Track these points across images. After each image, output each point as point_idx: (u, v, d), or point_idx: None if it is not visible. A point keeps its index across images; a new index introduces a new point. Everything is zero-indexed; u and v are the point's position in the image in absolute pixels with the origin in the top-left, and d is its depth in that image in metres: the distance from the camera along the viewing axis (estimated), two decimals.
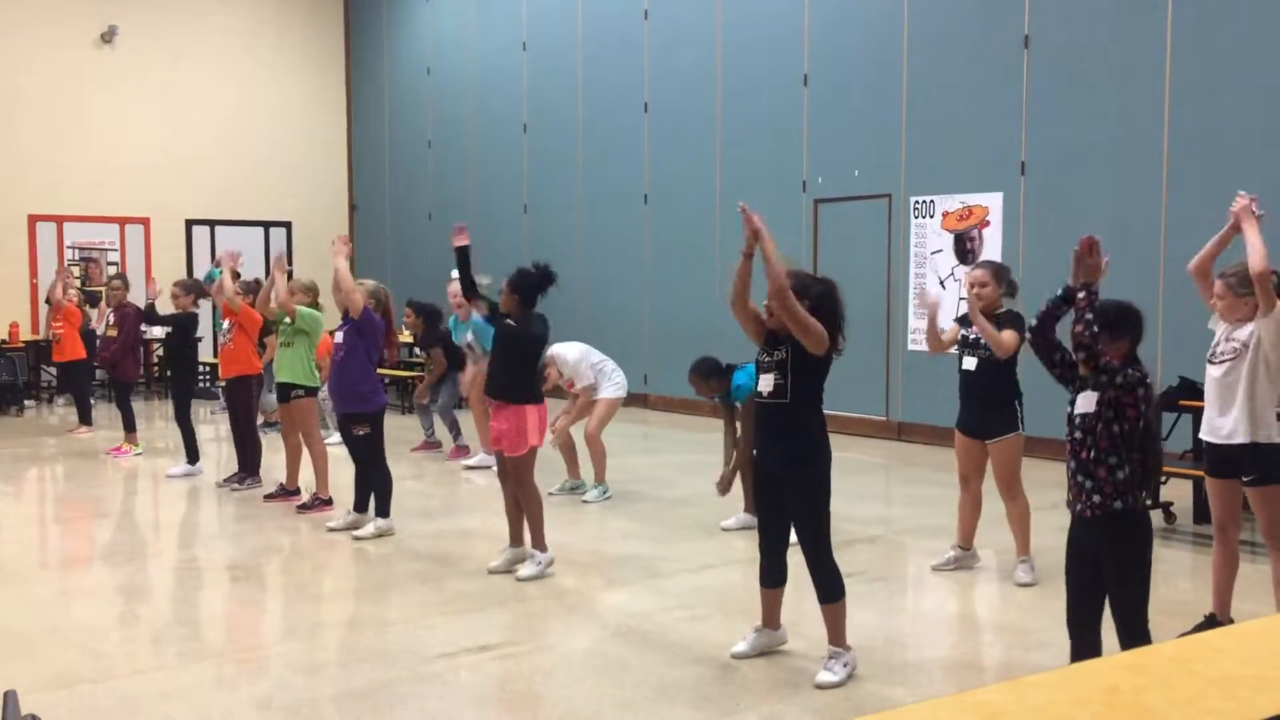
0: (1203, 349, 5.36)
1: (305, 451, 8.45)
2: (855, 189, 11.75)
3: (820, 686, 4.69)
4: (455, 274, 10.04)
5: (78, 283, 14.77)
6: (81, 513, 8.71)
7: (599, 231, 14.72)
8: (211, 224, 17.91)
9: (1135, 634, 3.92)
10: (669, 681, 4.81)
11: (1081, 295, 3.90)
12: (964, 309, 6.52)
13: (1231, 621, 5.25)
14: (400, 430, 11.56)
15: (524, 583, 6.30)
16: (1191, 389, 7.38)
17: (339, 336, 7.53)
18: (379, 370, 7.78)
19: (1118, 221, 9.72)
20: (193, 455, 9.78)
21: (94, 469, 10.31)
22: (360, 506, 7.62)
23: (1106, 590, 4.00)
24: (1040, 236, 10.26)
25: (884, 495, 9.46)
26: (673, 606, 5.90)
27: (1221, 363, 5.17)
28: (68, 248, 16.78)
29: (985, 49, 10.63)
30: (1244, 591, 5.78)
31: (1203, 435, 5.36)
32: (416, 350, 12.53)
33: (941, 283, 11.03)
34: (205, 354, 14.36)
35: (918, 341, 11.30)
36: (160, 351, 16.00)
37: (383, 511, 7.47)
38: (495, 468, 6.73)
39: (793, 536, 4.90)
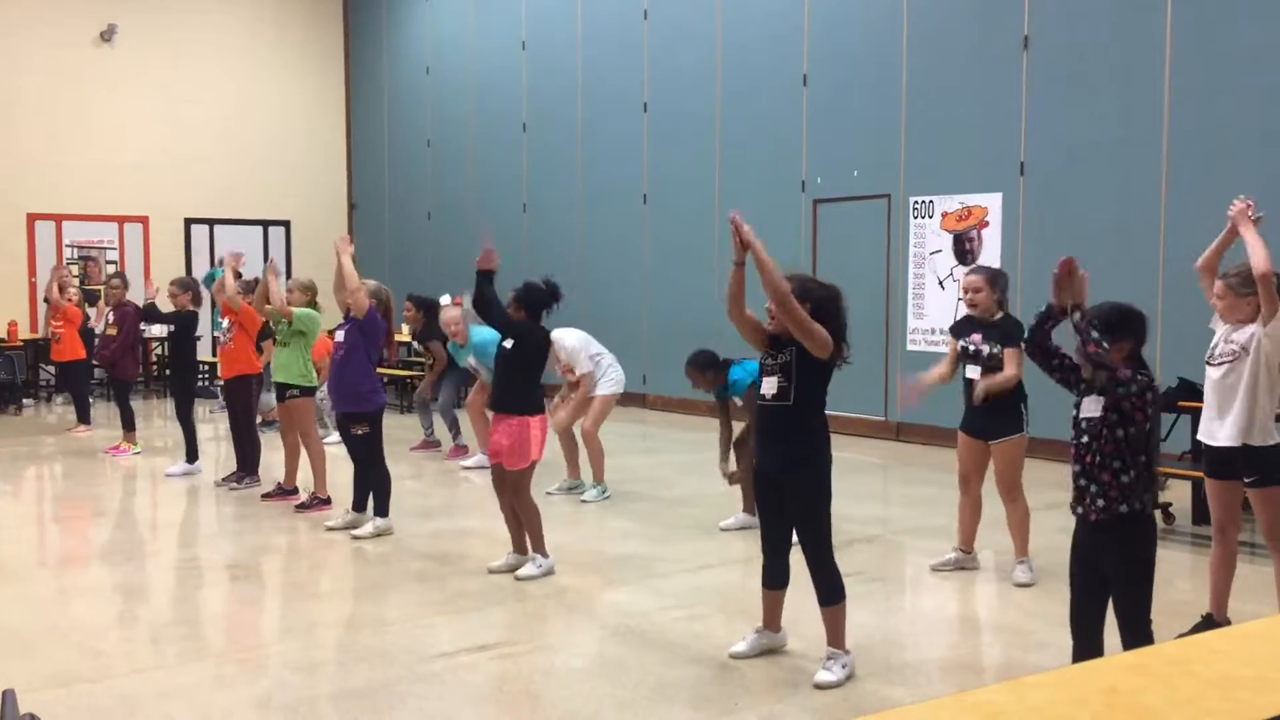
0: (1202, 350, 5.36)
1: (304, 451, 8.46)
2: (854, 189, 11.75)
3: (819, 686, 4.69)
4: (446, 299, 10.09)
5: (76, 281, 14.75)
6: (80, 511, 8.71)
7: (598, 231, 14.72)
8: (210, 223, 17.91)
9: (1138, 635, 3.91)
10: (668, 681, 4.81)
11: (1076, 317, 3.87)
12: (960, 313, 6.52)
13: (1229, 622, 5.26)
14: (399, 430, 11.56)
15: (523, 583, 6.30)
16: (1190, 390, 7.38)
17: (340, 335, 7.53)
18: (378, 370, 7.78)
19: (1117, 222, 9.73)
20: (192, 454, 9.78)
21: (92, 468, 10.31)
22: (359, 506, 7.62)
23: (1109, 591, 4.00)
24: (1039, 237, 10.26)
25: (882, 495, 9.47)
26: (671, 606, 5.90)
27: (1220, 364, 5.17)
28: (66, 246, 16.77)
29: (985, 49, 10.63)
30: (1244, 592, 5.78)
31: (1201, 437, 5.36)
32: (415, 345, 12.52)
33: (940, 283, 11.04)
34: (204, 353, 14.37)
35: (916, 342, 11.31)
36: (160, 350, 16.00)
37: (381, 511, 7.47)
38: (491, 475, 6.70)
39: (794, 537, 4.90)
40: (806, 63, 12.11)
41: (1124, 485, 3.90)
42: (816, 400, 4.76)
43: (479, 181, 16.55)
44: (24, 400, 14.76)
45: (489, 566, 6.54)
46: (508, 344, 6.35)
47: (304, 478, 8.50)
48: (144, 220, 17.35)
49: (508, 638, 5.50)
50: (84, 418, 12.49)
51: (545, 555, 6.46)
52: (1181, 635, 4.40)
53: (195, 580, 6.60)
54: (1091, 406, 3.95)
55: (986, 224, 10.70)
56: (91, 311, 13.68)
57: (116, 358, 10.85)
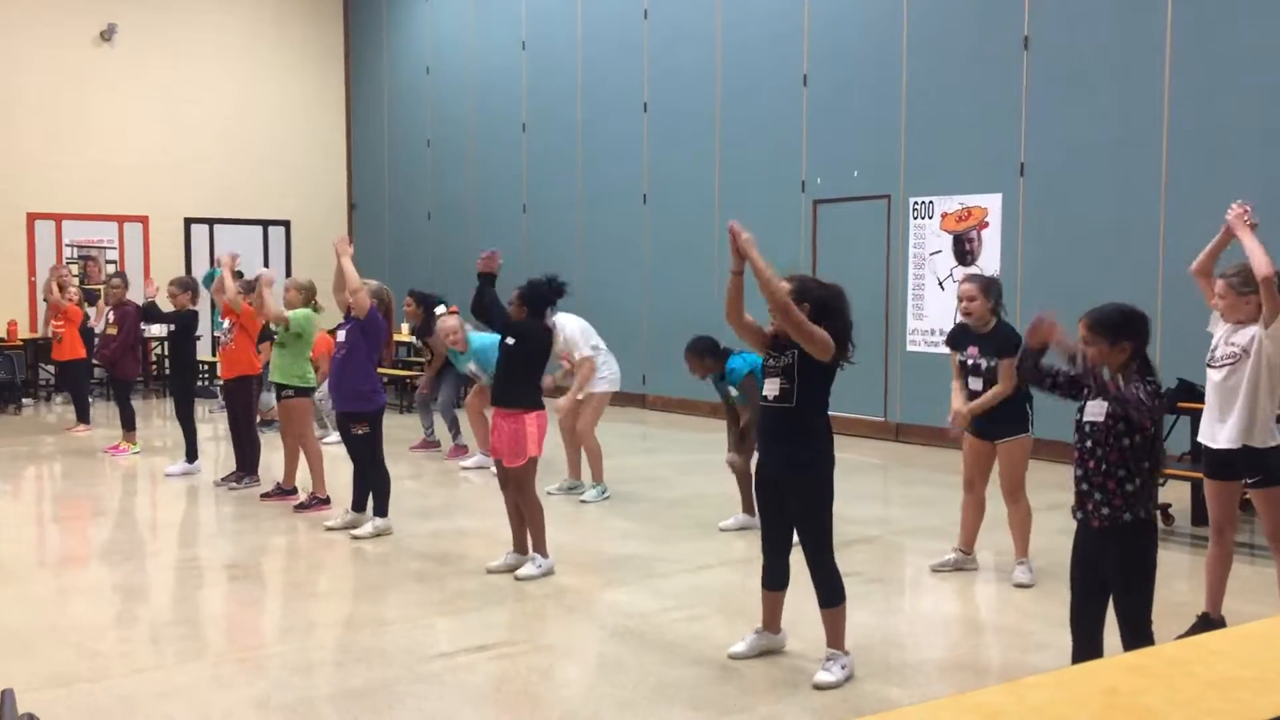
0: (1201, 350, 5.36)
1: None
2: (854, 189, 11.75)
3: (818, 687, 4.68)
4: (442, 309, 10.10)
5: (76, 281, 14.75)
6: (79, 511, 8.70)
7: (598, 231, 14.72)
8: (210, 223, 17.90)
9: (1138, 636, 3.91)
10: (667, 682, 4.80)
11: (1078, 369, 3.88)
12: (956, 318, 6.54)
13: (1224, 619, 5.27)
14: (399, 430, 11.55)
15: (522, 583, 6.30)
16: (1190, 391, 7.38)
17: (341, 335, 7.53)
18: (378, 370, 7.78)
19: (1117, 222, 9.73)
20: (192, 454, 9.78)
21: (92, 467, 10.30)
22: (358, 506, 7.62)
23: (1110, 593, 3.99)
24: (1039, 238, 10.26)
25: (882, 496, 9.46)
26: (671, 607, 5.90)
27: (1221, 366, 5.16)
28: (66, 246, 16.77)
29: (985, 49, 10.62)
30: (1244, 593, 5.78)
31: (1201, 439, 5.35)
32: (414, 340, 12.54)
33: (940, 284, 11.03)
34: (204, 353, 14.37)
35: (916, 343, 11.31)
36: (160, 350, 16.00)
37: (381, 511, 7.46)
38: (495, 471, 6.71)
39: (794, 538, 4.90)
40: (806, 63, 12.11)
41: (1128, 494, 3.88)
42: (819, 402, 4.77)
43: (479, 182, 16.55)
44: (23, 400, 14.76)
45: (488, 566, 6.54)
46: (510, 340, 6.36)
47: (303, 478, 8.50)
48: (144, 220, 17.34)
49: (507, 638, 5.49)
50: (83, 417, 12.49)
51: (545, 555, 6.46)
52: (1180, 636, 4.41)
53: (194, 580, 6.60)
54: (1095, 410, 3.94)
55: (986, 225, 10.69)
56: (91, 311, 13.68)
57: (117, 357, 10.85)
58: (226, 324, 9.07)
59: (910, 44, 11.18)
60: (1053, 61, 10.15)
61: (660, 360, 13.67)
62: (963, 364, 6.29)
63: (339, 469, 8.48)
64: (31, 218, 16.51)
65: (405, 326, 12.23)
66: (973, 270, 10.60)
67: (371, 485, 7.51)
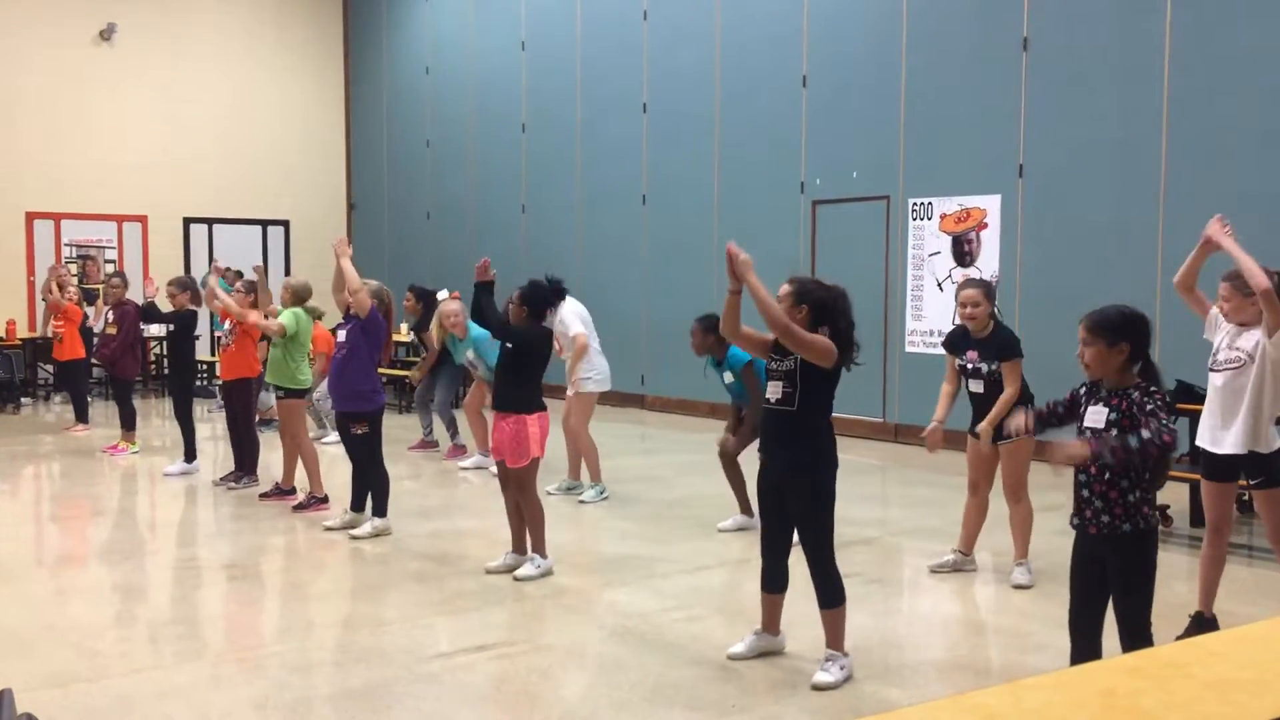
0: (1200, 351, 5.36)
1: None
2: (853, 190, 11.75)
3: (817, 687, 4.69)
4: (444, 294, 10.12)
5: (75, 280, 14.75)
6: (78, 511, 8.70)
7: (597, 232, 14.72)
8: (209, 222, 17.90)
9: (1137, 638, 3.91)
10: (666, 682, 4.81)
11: (1099, 458, 3.80)
12: (955, 322, 6.54)
13: (1215, 616, 5.27)
14: (398, 430, 11.55)
15: (521, 583, 6.30)
16: (1189, 392, 7.39)
17: (341, 335, 7.53)
18: (377, 370, 7.78)
19: (1116, 223, 9.73)
20: (191, 454, 9.78)
21: (90, 467, 10.30)
22: (357, 506, 7.62)
23: (1110, 596, 3.99)
24: (1038, 239, 10.26)
25: (880, 497, 9.46)
26: (670, 607, 5.90)
27: (1223, 370, 5.16)
28: (65, 246, 16.76)
29: (984, 50, 10.63)
30: (1241, 595, 5.79)
31: (1201, 443, 5.34)
32: (412, 335, 12.55)
33: (939, 284, 11.04)
34: (203, 353, 14.37)
35: (915, 344, 11.31)
36: (159, 350, 15.99)
37: (380, 511, 7.46)
38: (496, 471, 6.72)
39: (794, 539, 4.90)
40: (806, 64, 12.11)
41: (1130, 504, 3.87)
42: (821, 405, 4.77)
43: (478, 181, 16.55)
44: (22, 399, 14.75)
45: (487, 567, 6.54)
46: (509, 346, 6.38)
47: (302, 478, 8.50)
48: (143, 220, 17.34)
49: (506, 638, 5.49)
50: (82, 417, 12.48)
51: (545, 555, 6.46)
52: (1178, 637, 4.41)
53: (193, 580, 6.60)
54: (1096, 417, 3.93)
55: (985, 225, 10.70)
56: (90, 311, 13.68)
57: (116, 357, 10.84)
58: (227, 326, 9.08)
59: (909, 45, 11.18)
60: (1052, 62, 10.16)
61: (659, 360, 13.68)
62: (962, 368, 6.30)
63: (338, 469, 8.48)
64: (30, 217, 16.51)
65: (404, 326, 12.24)
66: (971, 272, 10.61)
67: (370, 485, 7.51)
